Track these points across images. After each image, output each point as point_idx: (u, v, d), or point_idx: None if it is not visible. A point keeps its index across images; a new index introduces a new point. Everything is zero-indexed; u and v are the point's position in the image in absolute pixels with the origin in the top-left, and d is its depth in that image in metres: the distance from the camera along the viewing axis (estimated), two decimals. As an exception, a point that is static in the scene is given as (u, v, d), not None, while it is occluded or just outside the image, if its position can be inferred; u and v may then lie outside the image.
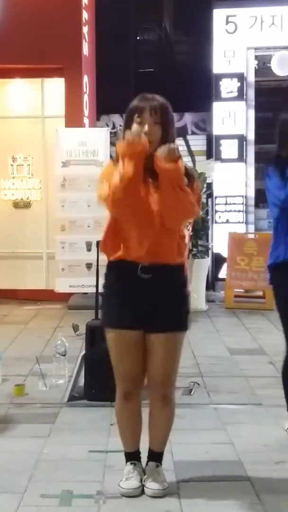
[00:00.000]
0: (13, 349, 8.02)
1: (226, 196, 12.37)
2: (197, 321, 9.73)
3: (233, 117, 12.38)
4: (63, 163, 10.60)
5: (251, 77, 12.55)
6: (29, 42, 10.99)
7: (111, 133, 11.45)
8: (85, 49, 11.64)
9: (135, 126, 3.92)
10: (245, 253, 10.98)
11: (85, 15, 11.59)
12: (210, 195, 12.25)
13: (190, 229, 10.05)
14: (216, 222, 12.35)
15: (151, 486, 4.13)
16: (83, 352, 6.28)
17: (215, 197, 12.35)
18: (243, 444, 4.95)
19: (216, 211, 12.37)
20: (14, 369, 6.99)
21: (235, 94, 12.38)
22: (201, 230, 11.04)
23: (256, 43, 12.41)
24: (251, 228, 12.44)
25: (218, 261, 12.15)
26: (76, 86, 11.36)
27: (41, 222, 11.71)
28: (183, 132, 13.89)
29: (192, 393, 6.20)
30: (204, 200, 11.59)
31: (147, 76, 16.44)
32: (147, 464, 4.24)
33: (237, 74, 12.38)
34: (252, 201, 12.33)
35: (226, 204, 12.37)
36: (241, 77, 12.38)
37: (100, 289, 4.33)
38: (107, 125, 13.47)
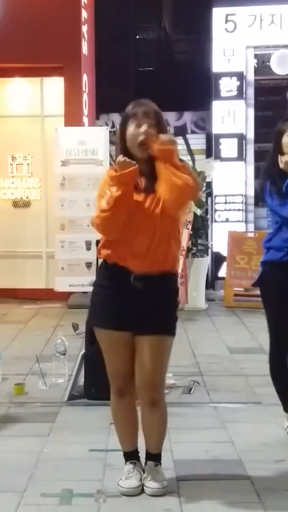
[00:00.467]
0: (13, 348, 8.02)
1: (225, 195, 12.37)
2: (196, 320, 9.75)
3: (233, 116, 12.38)
4: (62, 162, 10.61)
5: (250, 76, 12.55)
6: (28, 41, 11.00)
7: (110, 132, 11.45)
8: (85, 48, 11.64)
9: (131, 129, 3.98)
10: (245, 252, 10.97)
11: (84, 14, 11.59)
12: (209, 194, 12.25)
13: (190, 227, 10.08)
14: (215, 221, 12.35)
15: (151, 485, 4.13)
16: (83, 351, 6.29)
17: (215, 196, 12.35)
18: (243, 443, 4.95)
19: (215, 210, 12.37)
20: (14, 368, 6.99)
21: (235, 93, 12.38)
22: (201, 229, 11.04)
23: (256, 42, 12.41)
24: (251, 227, 12.44)
25: (217, 260, 12.15)
26: (75, 85, 11.37)
27: (40, 221, 11.71)
28: (182, 131, 13.90)
29: (191, 392, 6.21)
30: (203, 199, 11.59)
31: (147, 75, 16.44)
32: (146, 464, 4.24)
33: (237, 73, 12.38)
34: (251, 200, 12.33)
35: (225, 203, 12.37)
36: (240, 76, 12.37)
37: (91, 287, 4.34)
38: (107, 124, 13.46)
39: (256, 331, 8.80)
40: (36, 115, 11.76)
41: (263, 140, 12.28)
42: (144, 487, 4.15)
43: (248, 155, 12.44)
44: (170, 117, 14.05)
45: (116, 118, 14.07)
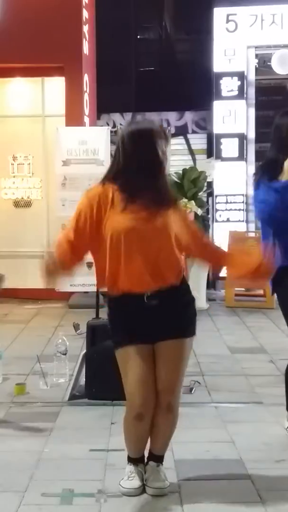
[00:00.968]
0: (14, 348, 8.02)
1: (226, 195, 12.37)
2: (197, 319, 9.71)
3: (234, 115, 12.38)
4: (63, 162, 10.59)
5: (251, 76, 12.55)
6: (29, 41, 11.00)
7: (111, 132, 11.45)
8: (86, 48, 11.64)
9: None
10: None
11: (85, 14, 11.59)
12: (210, 194, 12.26)
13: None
14: (216, 221, 12.35)
15: (152, 485, 4.13)
16: (84, 351, 6.29)
17: (216, 196, 12.35)
18: (244, 443, 4.95)
19: (216, 210, 12.37)
20: (15, 368, 6.99)
21: (236, 92, 12.38)
22: (202, 228, 11.03)
23: (257, 42, 12.41)
24: (252, 226, 12.43)
25: (219, 260, 12.12)
26: (76, 85, 11.37)
27: (41, 221, 11.71)
28: (183, 131, 13.92)
29: (192, 391, 6.21)
30: (204, 198, 11.60)
31: (148, 74, 16.47)
32: (147, 463, 4.23)
33: (238, 73, 12.38)
34: (252, 200, 12.31)
35: (226, 202, 12.37)
36: (241, 76, 12.38)
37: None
38: (108, 124, 13.49)
39: (257, 331, 8.80)
40: (37, 115, 11.77)
41: (264, 140, 12.27)
42: (146, 487, 4.14)
43: (249, 155, 12.44)
44: (171, 117, 14.09)
45: (117, 117, 14.10)
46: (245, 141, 12.40)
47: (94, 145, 10.51)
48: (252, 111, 12.51)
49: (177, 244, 4.01)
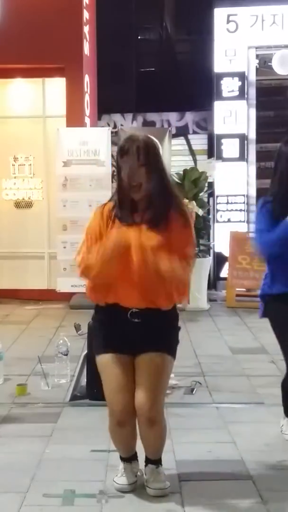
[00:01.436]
0: (15, 349, 8.02)
1: (227, 195, 12.37)
2: (198, 320, 9.75)
3: (234, 116, 12.38)
4: (64, 162, 10.61)
5: (252, 76, 12.55)
6: (30, 42, 11.01)
7: (112, 132, 11.46)
8: (86, 48, 11.64)
9: (123, 172, 3.93)
10: (247, 252, 10.97)
11: (86, 14, 11.59)
12: (211, 194, 12.26)
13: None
14: (217, 221, 12.35)
15: (153, 486, 4.13)
16: (85, 351, 6.28)
17: (217, 196, 12.35)
18: (245, 443, 4.95)
19: (217, 210, 12.37)
20: (16, 369, 6.99)
21: (236, 93, 12.38)
22: (203, 229, 11.04)
23: (257, 42, 12.41)
24: (253, 227, 12.43)
25: (219, 260, 12.16)
26: (77, 85, 11.38)
27: (42, 222, 11.72)
28: (184, 131, 13.92)
29: (194, 392, 6.20)
30: (205, 199, 11.60)
31: (148, 75, 16.47)
32: (146, 465, 4.23)
33: (238, 73, 12.38)
34: (253, 200, 12.31)
35: (227, 203, 12.37)
36: (242, 76, 12.38)
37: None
38: (108, 125, 13.49)
39: (258, 331, 8.80)
40: (38, 116, 11.77)
41: (265, 140, 12.31)
42: (147, 488, 4.15)
43: (249, 155, 12.44)
44: (171, 117, 14.09)
45: (118, 118, 14.11)
46: (245, 142, 12.39)
47: (95, 145, 10.52)
48: (252, 112, 12.51)
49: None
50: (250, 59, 12.49)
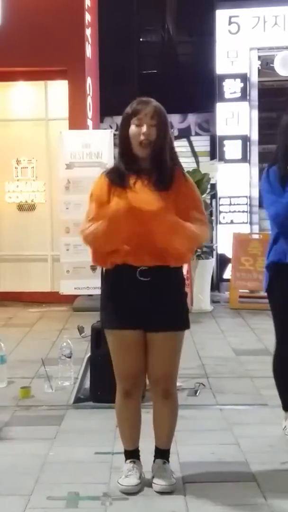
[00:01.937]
0: (18, 352, 8.03)
1: (230, 197, 12.37)
2: (202, 322, 9.74)
3: (237, 117, 12.39)
4: (67, 165, 10.61)
5: (254, 78, 12.55)
6: (32, 44, 11.02)
7: (115, 135, 11.42)
8: (88, 51, 11.66)
9: (133, 128, 4.04)
10: (250, 253, 10.97)
11: (88, 17, 11.61)
12: (214, 196, 12.26)
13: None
14: (220, 223, 12.36)
15: (159, 482, 4.16)
16: (89, 354, 6.28)
17: (219, 198, 12.36)
18: (249, 445, 4.95)
19: (220, 212, 12.37)
20: (19, 372, 7.00)
21: (238, 94, 12.38)
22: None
23: (259, 44, 12.41)
24: (256, 228, 12.44)
25: (222, 261, 12.16)
26: (79, 88, 11.38)
27: (45, 225, 11.73)
28: (186, 133, 13.91)
29: (197, 394, 6.21)
30: (208, 201, 11.60)
31: (150, 77, 16.45)
32: (154, 461, 4.28)
33: (240, 75, 12.39)
34: (256, 202, 12.32)
35: (230, 204, 12.38)
36: (244, 78, 12.38)
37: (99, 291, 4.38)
38: (111, 127, 13.48)
39: (261, 332, 8.79)
40: (41, 119, 11.78)
41: (267, 141, 12.28)
42: (153, 484, 4.18)
43: (252, 156, 12.44)
44: (174, 119, 14.07)
45: (120, 120, 14.08)
46: (248, 143, 12.40)
47: (97, 148, 10.53)
48: (255, 113, 12.51)
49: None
50: (252, 60, 12.49)
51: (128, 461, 4.30)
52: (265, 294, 5.10)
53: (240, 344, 8.38)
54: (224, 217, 12.39)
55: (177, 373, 4.27)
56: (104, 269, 4.21)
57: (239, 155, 12.37)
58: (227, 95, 12.41)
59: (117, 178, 4.10)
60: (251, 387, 6.47)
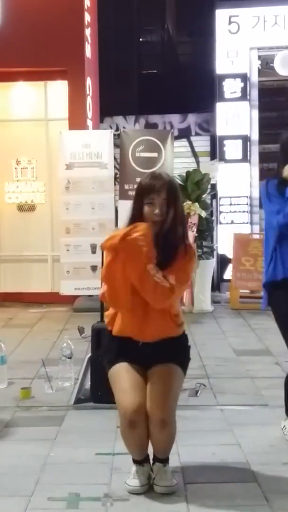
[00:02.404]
0: (19, 352, 8.03)
1: (230, 197, 12.37)
2: (202, 322, 9.74)
3: (237, 117, 12.38)
4: (67, 165, 10.59)
5: (254, 77, 12.55)
6: (32, 45, 11.03)
7: (114, 135, 11.43)
8: (88, 51, 11.66)
9: (146, 208, 4.10)
10: (250, 253, 10.97)
11: (87, 17, 11.60)
12: (214, 196, 12.26)
13: (195, 230, 10.08)
14: (220, 223, 12.35)
15: (160, 483, 4.16)
16: (89, 354, 6.28)
17: (220, 198, 12.36)
18: (250, 445, 4.94)
19: (220, 212, 12.37)
20: (20, 372, 6.99)
21: (239, 94, 12.38)
22: (206, 231, 11.04)
23: (259, 43, 12.41)
24: (256, 228, 12.44)
25: (223, 262, 12.15)
26: (79, 88, 11.38)
27: (45, 225, 11.73)
28: (186, 133, 13.91)
29: (198, 394, 6.20)
30: (208, 201, 11.60)
31: (150, 77, 16.48)
32: (154, 464, 4.26)
33: (240, 75, 12.39)
34: (256, 202, 12.31)
35: (230, 204, 12.37)
36: (244, 77, 12.38)
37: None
38: (111, 127, 13.48)
39: (262, 333, 8.79)
40: (40, 119, 11.79)
41: (268, 141, 12.30)
42: (154, 485, 4.18)
43: (252, 156, 12.44)
44: (174, 119, 14.08)
45: (120, 121, 14.10)
46: (248, 143, 12.39)
47: (97, 148, 10.51)
48: (255, 113, 12.51)
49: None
50: (252, 60, 12.49)
51: (136, 464, 4.28)
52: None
53: (240, 345, 8.37)
54: (224, 217, 12.38)
55: (174, 407, 4.18)
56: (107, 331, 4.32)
57: (239, 155, 12.37)
58: (227, 95, 12.40)
59: None
60: (251, 388, 6.47)
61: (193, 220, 10.04)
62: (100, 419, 5.59)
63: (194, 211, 10.14)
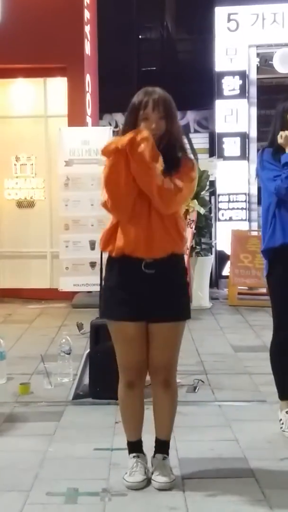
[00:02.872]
0: (18, 348, 8.04)
1: (229, 194, 12.38)
2: (200, 318, 9.75)
3: (235, 114, 12.38)
4: (66, 162, 10.61)
5: (253, 75, 12.54)
6: (31, 41, 11.02)
7: (114, 132, 11.46)
8: (88, 48, 11.66)
9: (142, 125, 4.04)
10: (249, 250, 10.99)
11: (87, 14, 11.60)
12: (213, 193, 12.26)
13: (193, 226, 10.09)
14: (219, 220, 12.36)
15: (158, 479, 4.17)
16: (88, 350, 6.30)
17: (218, 195, 12.36)
18: (248, 441, 4.97)
19: (219, 209, 12.38)
20: (19, 368, 7.01)
21: (237, 91, 12.38)
22: (204, 228, 11.05)
23: (258, 41, 12.41)
24: (254, 225, 12.44)
25: (221, 258, 12.16)
26: (78, 85, 11.38)
27: (45, 221, 11.73)
28: (185, 130, 13.93)
29: (196, 390, 6.22)
30: (207, 198, 11.61)
31: (150, 74, 16.45)
32: (154, 456, 4.29)
33: (239, 72, 12.38)
34: (255, 199, 12.32)
35: (229, 201, 12.38)
36: (243, 75, 12.38)
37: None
38: (110, 124, 13.53)
39: (260, 329, 8.81)
40: (40, 116, 11.78)
41: (266, 139, 12.26)
42: (152, 481, 4.19)
43: (251, 154, 12.43)
44: (173, 116, 14.07)
45: (119, 118, 14.12)
46: (247, 140, 12.40)
47: (96, 145, 10.50)
48: (254, 110, 12.51)
49: None
50: (251, 57, 12.48)
51: (131, 455, 4.31)
52: (264, 290, 5.16)
53: (238, 341, 8.39)
54: (223, 214, 12.39)
55: (177, 363, 4.30)
56: (107, 259, 4.21)
57: (238, 152, 12.38)
58: (226, 92, 12.40)
59: None
60: (249, 384, 6.49)
61: (192, 216, 10.05)
62: (98, 414, 5.61)
63: (192, 208, 10.15)
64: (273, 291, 5.08)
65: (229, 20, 12.33)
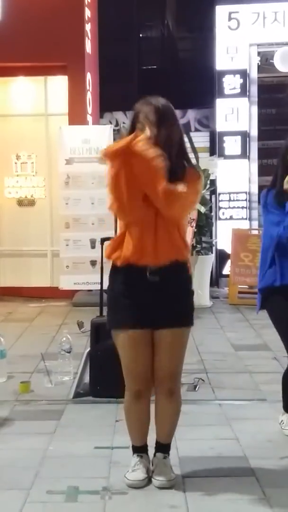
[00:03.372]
0: (18, 347, 8.04)
1: (229, 193, 12.38)
2: (201, 317, 9.75)
3: (236, 113, 12.38)
4: (66, 160, 10.62)
5: (253, 74, 12.55)
6: (32, 40, 11.02)
7: (114, 130, 11.47)
8: (88, 46, 11.65)
9: (138, 132, 4.02)
10: (249, 249, 10.99)
11: (87, 12, 11.60)
12: (213, 192, 12.26)
13: (194, 225, 10.09)
14: (219, 219, 12.36)
15: (159, 478, 4.18)
16: (88, 349, 6.30)
17: (219, 194, 12.36)
18: (248, 440, 4.97)
19: (219, 208, 12.38)
20: (19, 366, 7.01)
21: (238, 90, 12.38)
22: (205, 226, 11.05)
23: (259, 40, 12.40)
24: (255, 224, 12.44)
25: (222, 257, 12.16)
26: (79, 83, 11.38)
27: (45, 220, 11.73)
28: (186, 129, 13.90)
29: (196, 389, 6.22)
30: (207, 196, 11.61)
31: (150, 73, 16.47)
32: (154, 455, 4.29)
33: (240, 71, 12.38)
34: (255, 198, 12.32)
35: (229, 200, 12.38)
36: (243, 74, 12.37)
37: (105, 287, 4.37)
38: (111, 122, 13.50)
39: (260, 328, 8.81)
40: (40, 114, 11.78)
41: (267, 137, 12.32)
42: (152, 479, 4.20)
43: (251, 152, 12.44)
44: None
45: (120, 116, 14.11)
46: (247, 139, 12.40)
47: (97, 143, 10.52)
48: (254, 109, 12.51)
49: None
50: (251, 56, 12.49)
51: (135, 454, 4.31)
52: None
53: (239, 340, 8.40)
54: (223, 213, 12.39)
55: (181, 372, 4.29)
56: (111, 267, 4.20)
57: (238, 151, 12.37)
58: (226, 91, 12.40)
59: None
60: (250, 382, 6.49)
61: (192, 215, 10.05)
62: (99, 413, 5.62)
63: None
64: (276, 324, 5.08)
65: (230, 18, 12.33)
